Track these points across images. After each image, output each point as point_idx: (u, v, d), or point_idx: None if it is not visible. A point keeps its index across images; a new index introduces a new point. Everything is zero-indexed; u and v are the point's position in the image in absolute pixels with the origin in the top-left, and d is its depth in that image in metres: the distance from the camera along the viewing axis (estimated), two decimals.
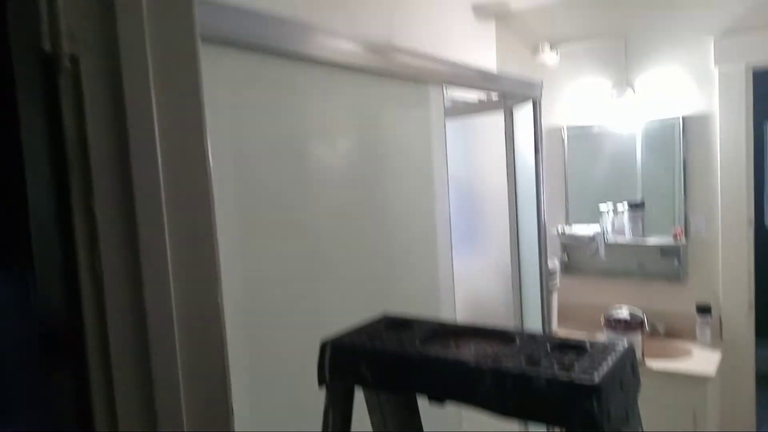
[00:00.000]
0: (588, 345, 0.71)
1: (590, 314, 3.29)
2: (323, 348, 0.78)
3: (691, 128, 2.99)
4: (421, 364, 0.69)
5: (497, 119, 2.25)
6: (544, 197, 2.08)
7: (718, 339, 2.99)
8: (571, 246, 3.37)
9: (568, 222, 3.38)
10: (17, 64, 0.55)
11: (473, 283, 2.45)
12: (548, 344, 0.72)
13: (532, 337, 0.74)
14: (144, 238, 0.62)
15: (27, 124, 0.57)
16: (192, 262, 0.68)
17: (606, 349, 0.72)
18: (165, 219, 0.64)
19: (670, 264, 3.11)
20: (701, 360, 2.79)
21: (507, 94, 1.89)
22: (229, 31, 0.94)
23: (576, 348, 0.70)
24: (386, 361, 0.72)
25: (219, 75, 0.97)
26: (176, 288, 0.66)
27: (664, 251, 3.12)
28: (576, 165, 3.36)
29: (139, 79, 0.63)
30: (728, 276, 2.98)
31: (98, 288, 0.62)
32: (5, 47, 0.54)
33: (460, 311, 1.72)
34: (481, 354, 0.69)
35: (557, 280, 3.22)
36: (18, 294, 0.61)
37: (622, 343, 0.72)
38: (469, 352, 0.70)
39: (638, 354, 2.82)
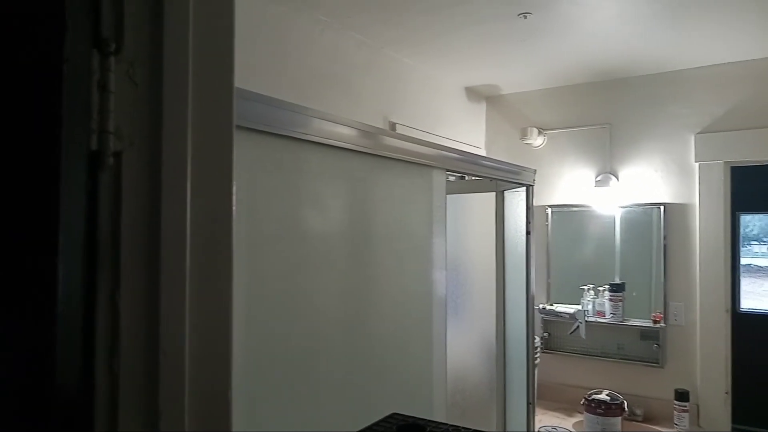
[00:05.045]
0: None
1: (568, 393, 3.26)
2: None
3: (672, 216, 3.09)
4: None
5: (486, 196, 2.30)
6: (534, 278, 2.10)
7: (695, 425, 2.98)
8: (552, 323, 3.38)
9: (549, 299, 3.40)
10: (64, 161, 0.55)
11: (457, 356, 2.42)
12: None
13: None
14: (165, 342, 0.61)
15: (65, 219, 0.56)
16: (207, 366, 0.66)
17: None
18: (187, 321, 0.63)
19: (649, 347, 3.13)
20: None
21: (501, 178, 1.94)
22: (249, 118, 0.96)
23: None
24: None
25: (240, 158, 0.98)
26: (190, 393, 0.64)
27: (644, 334, 3.15)
28: (558, 244, 3.42)
29: (178, 174, 0.63)
30: (706, 363, 3.00)
31: (113, 389, 0.59)
32: (55, 144, 0.54)
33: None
34: None
35: (537, 356, 3.20)
36: (34, 380, 0.58)
37: None
38: None
39: None
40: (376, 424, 0.81)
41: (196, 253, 0.64)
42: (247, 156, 0.97)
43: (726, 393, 2.97)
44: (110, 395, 0.59)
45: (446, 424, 0.80)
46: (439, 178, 1.51)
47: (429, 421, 0.81)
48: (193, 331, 0.64)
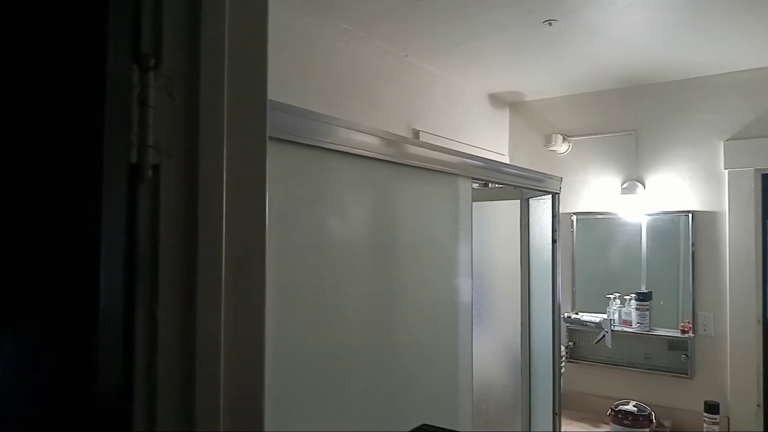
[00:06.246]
0: None
1: (594, 404, 3.21)
2: None
3: (700, 224, 3.03)
4: None
5: (511, 204, 2.28)
6: (560, 286, 2.08)
7: None
8: (577, 332, 3.34)
9: (574, 308, 3.36)
10: (105, 174, 0.56)
11: (481, 365, 2.40)
12: None
13: None
14: (201, 352, 0.61)
15: (106, 231, 0.57)
16: (241, 377, 0.66)
17: None
18: (222, 330, 0.64)
19: (677, 358, 3.07)
20: None
21: (527, 186, 1.93)
22: (279, 129, 0.97)
23: None
24: None
25: (270, 168, 0.99)
26: (225, 402, 0.65)
27: (672, 344, 3.09)
28: (583, 252, 3.37)
29: (214, 185, 0.64)
30: (737, 374, 2.93)
31: (151, 398, 0.60)
32: (97, 157, 0.55)
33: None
34: None
35: (563, 366, 3.16)
36: (75, 388, 0.60)
37: None
38: None
39: None
40: None
41: (231, 264, 0.65)
42: (276, 166, 0.98)
43: (758, 406, 2.90)
44: (148, 404, 0.60)
45: None
46: (465, 186, 1.51)
47: None
48: (228, 342, 0.64)
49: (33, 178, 0.57)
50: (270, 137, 0.94)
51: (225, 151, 0.65)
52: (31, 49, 0.58)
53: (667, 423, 3.03)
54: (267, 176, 0.70)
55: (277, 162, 0.97)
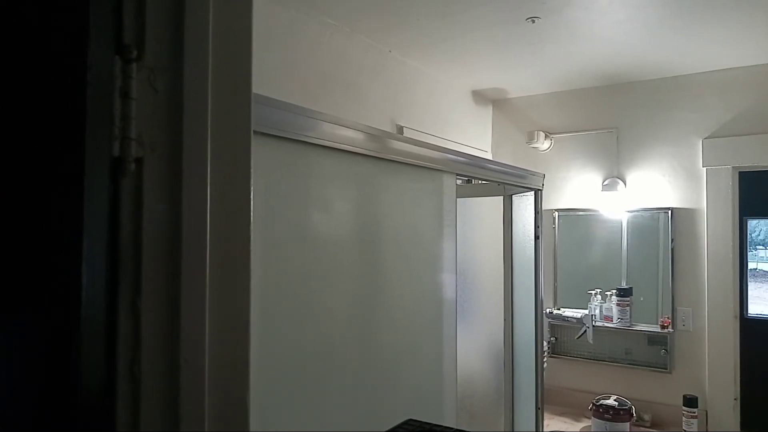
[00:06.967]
0: None
1: (576, 398, 3.25)
2: None
3: (679, 221, 3.08)
4: None
5: (494, 200, 2.30)
6: (542, 282, 2.10)
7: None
8: (559, 327, 3.37)
9: (556, 304, 3.39)
10: (87, 167, 0.55)
11: (465, 360, 2.41)
12: None
13: None
14: (186, 347, 0.61)
15: (89, 225, 0.56)
16: (226, 371, 0.66)
17: None
18: (207, 326, 0.63)
19: (656, 353, 3.12)
20: None
21: (510, 183, 1.94)
22: (264, 123, 0.96)
23: None
24: None
25: (255, 163, 0.98)
26: (210, 397, 0.64)
27: (652, 339, 3.13)
28: (565, 248, 3.41)
29: (198, 179, 0.63)
30: (714, 368, 2.99)
31: (135, 394, 0.60)
32: (79, 151, 0.54)
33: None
34: None
35: (545, 361, 3.20)
36: (57, 384, 0.59)
37: None
38: None
39: None
40: (392, 430, 0.81)
41: (216, 259, 0.64)
42: (260, 160, 0.98)
43: (735, 399, 2.96)
44: (132, 400, 0.59)
45: (463, 431, 0.80)
46: (449, 182, 1.51)
47: (446, 428, 0.81)
48: (212, 336, 0.64)
49: (13, 171, 0.56)
50: (254, 131, 0.94)
51: (209, 145, 0.64)
52: (11, 40, 0.57)
53: (647, 417, 3.08)
54: (252, 170, 0.70)
55: (261, 156, 0.97)
